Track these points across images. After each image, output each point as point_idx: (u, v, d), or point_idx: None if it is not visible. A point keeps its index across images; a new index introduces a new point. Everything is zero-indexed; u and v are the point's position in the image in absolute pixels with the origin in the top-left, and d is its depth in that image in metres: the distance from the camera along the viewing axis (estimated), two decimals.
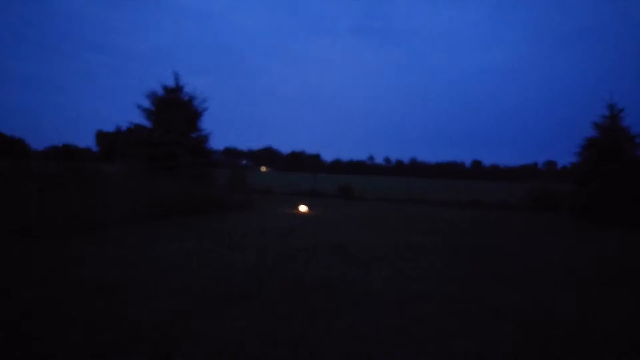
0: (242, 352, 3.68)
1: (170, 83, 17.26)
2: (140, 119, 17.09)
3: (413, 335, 4.19)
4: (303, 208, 16.43)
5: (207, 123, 25.39)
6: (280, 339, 3.98)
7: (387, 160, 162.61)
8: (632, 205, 15.28)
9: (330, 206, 19.01)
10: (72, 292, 5.13)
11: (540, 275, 6.98)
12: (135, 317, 4.38)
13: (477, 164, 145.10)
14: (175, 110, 16.72)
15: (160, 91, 17.10)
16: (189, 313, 4.56)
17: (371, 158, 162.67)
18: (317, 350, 3.76)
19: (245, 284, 5.76)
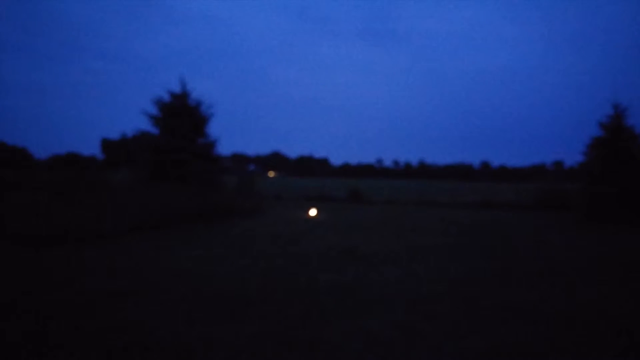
0: (258, 355, 3.64)
1: (177, 89, 17.22)
2: (146, 126, 17.05)
3: (426, 335, 4.12)
4: (313, 212, 16.30)
5: (214, 128, 25.41)
6: (295, 341, 3.94)
7: (395, 163, 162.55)
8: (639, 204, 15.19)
9: (339, 210, 18.91)
10: (86, 298, 5.11)
11: (551, 273, 6.84)
12: (150, 322, 4.35)
13: (485, 165, 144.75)
14: (182, 116, 16.66)
15: (166, 97, 17.03)
16: (204, 318, 4.52)
17: (380, 161, 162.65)
18: (332, 353, 3.70)
19: (259, 289, 5.71)
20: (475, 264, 7.59)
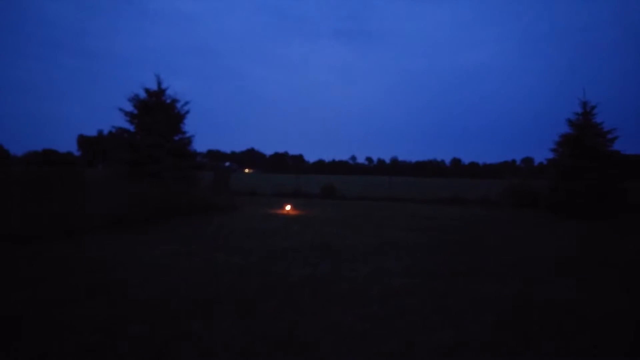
0: (233, 350, 3.76)
1: (153, 86, 17.24)
2: (122, 123, 17.03)
3: (397, 328, 4.34)
4: (287, 208, 16.58)
5: (190, 126, 25.43)
6: (269, 335, 4.07)
7: (369, 159, 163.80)
8: (605, 199, 15.87)
9: (314, 206, 19.17)
10: (61, 294, 5.16)
11: (519, 268, 7.26)
12: (125, 317, 4.44)
13: (456, 161, 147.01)
14: (157, 113, 16.69)
15: (142, 94, 17.05)
16: (178, 314, 4.62)
17: (353, 158, 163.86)
18: (305, 346, 3.88)
19: (234, 283, 5.86)
20: (444, 259, 7.94)
